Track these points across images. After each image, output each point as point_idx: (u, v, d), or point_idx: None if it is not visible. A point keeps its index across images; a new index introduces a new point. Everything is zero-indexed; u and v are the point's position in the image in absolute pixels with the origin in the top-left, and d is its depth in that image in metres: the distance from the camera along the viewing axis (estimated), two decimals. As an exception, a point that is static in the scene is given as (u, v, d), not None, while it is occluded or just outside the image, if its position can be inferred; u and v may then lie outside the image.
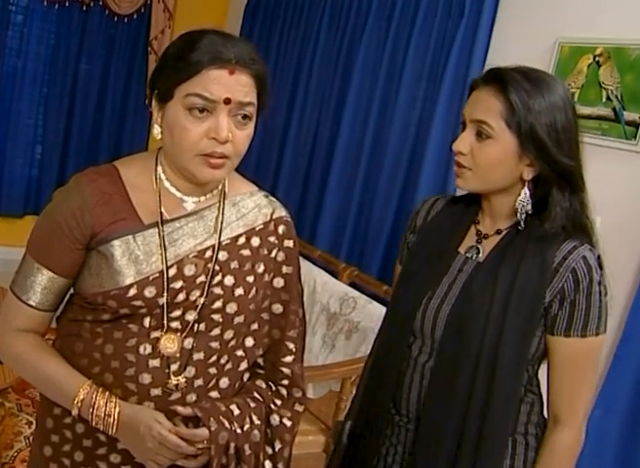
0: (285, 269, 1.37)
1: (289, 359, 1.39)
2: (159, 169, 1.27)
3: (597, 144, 2.43)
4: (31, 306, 1.26)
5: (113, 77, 4.81)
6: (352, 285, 3.15)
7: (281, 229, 1.37)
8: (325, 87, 3.79)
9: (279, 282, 1.36)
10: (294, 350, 1.39)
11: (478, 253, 1.39)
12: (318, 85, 3.85)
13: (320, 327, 3.04)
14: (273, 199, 1.41)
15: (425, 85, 3.15)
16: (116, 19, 4.76)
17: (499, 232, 1.38)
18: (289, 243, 1.38)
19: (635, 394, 2.25)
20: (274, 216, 1.37)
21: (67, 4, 4.59)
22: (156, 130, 1.22)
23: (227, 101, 1.15)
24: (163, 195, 1.26)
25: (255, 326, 1.34)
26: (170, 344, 1.24)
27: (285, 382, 1.39)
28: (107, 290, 1.20)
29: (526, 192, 1.32)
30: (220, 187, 1.31)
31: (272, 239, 1.35)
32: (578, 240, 1.32)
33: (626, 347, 2.24)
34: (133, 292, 1.19)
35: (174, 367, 1.24)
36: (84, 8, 4.65)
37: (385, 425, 1.45)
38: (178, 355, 1.24)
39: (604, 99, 2.42)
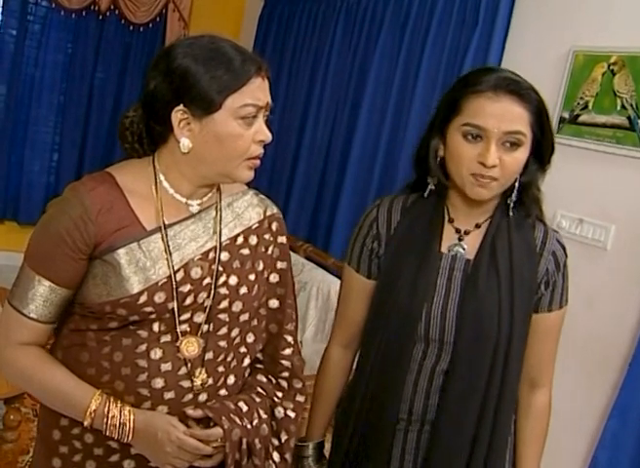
0: (279, 265, 1.42)
1: (288, 351, 1.43)
2: (160, 176, 1.27)
3: (612, 153, 2.43)
4: (33, 319, 1.23)
5: (129, 86, 4.83)
6: (366, 292, 3.15)
7: (274, 226, 1.42)
8: (339, 95, 3.81)
9: (275, 277, 1.41)
10: (292, 343, 1.44)
11: (463, 249, 1.41)
12: (332, 93, 3.87)
13: (334, 334, 3.04)
14: (263, 196, 1.44)
15: (439, 93, 3.15)
16: (132, 28, 4.80)
17: (477, 226, 1.42)
18: (282, 239, 1.44)
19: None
20: (267, 214, 1.41)
21: (84, 13, 4.63)
22: (186, 142, 1.21)
23: (267, 106, 1.24)
24: (163, 200, 1.27)
25: (254, 322, 1.38)
26: (191, 347, 1.26)
27: (285, 374, 1.43)
28: (116, 298, 1.20)
29: (517, 185, 1.38)
30: (214, 189, 1.34)
31: (267, 236, 1.39)
32: (541, 222, 1.43)
33: (642, 356, 2.23)
34: (143, 298, 1.20)
35: (185, 369, 1.26)
36: (100, 17, 4.69)
37: (392, 434, 1.44)
38: (196, 357, 1.27)
39: (618, 108, 2.41)
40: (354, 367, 1.58)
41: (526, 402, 1.47)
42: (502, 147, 1.29)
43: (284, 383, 1.43)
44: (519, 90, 1.28)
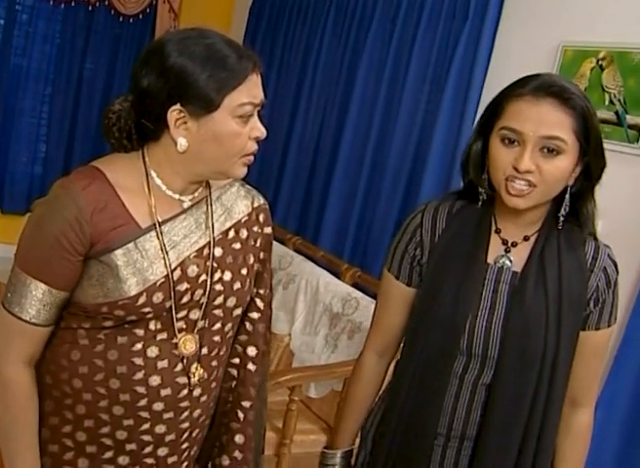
0: (262, 255, 1.42)
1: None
2: (152, 172, 1.25)
3: (600, 148, 2.44)
4: (34, 324, 1.21)
5: (118, 77, 4.81)
6: (355, 285, 3.17)
7: (261, 217, 1.41)
8: (329, 88, 3.81)
9: (258, 267, 1.41)
10: (250, 331, 1.42)
11: (510, 261, 1.36)
12: (322, 86, 3.87)
13: (322, 327, 3.06)
14: (249, 187, 1.43)
15: (429, 88, 3.17)
16: (121, 19, 4.78)
17: (526, 239, 1.36)
18: (267, 229, 1.43)
19: (636, 396, 2.26)
20: (254, 205, 1.40)
21: (73, 4, 4.61)
22: (183, 142, 1.19)
23: (262, 102, 1.24)
24: (155, 197, 1.25)
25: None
26: (189, 344, 1.27)
27: (243, 338, 1.42)
28: (114, 300, 1.18)
29: (567, 197, 1.32)
30: (204, 184, 1.32)
31: (256, 228, 1.39)
32: (592, 237, 1.38)
33: (627, 349, 2.25)
34: (142, 299, 1.19)
35: (181, 365, 1.26)
36: (89, 8, 4.67)
37: (430, 449, 1.39)
38: (194, 353, 1.27)
39: (607, 103, 2.43)
40: (389, 377, 1.52)
41: (567, 421, 1.41)
42: (541, 153, 1.23)
43: (239, 349, 1.42)
44: (562, 93, 1.23)
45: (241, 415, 1.40)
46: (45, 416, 1.27)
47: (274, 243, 3.99)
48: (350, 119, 3.55)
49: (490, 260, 1.36)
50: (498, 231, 1.38)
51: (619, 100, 2.39)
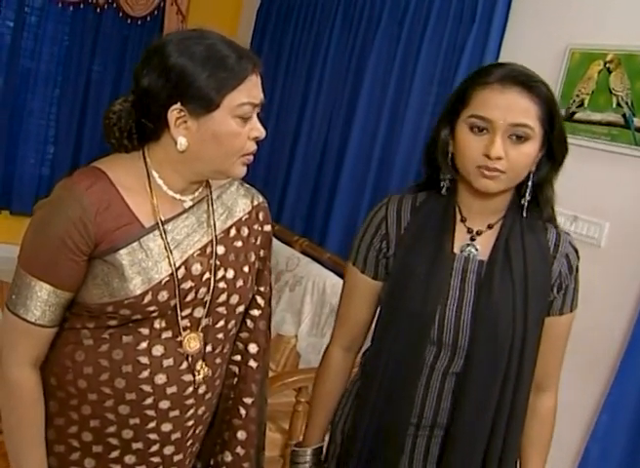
0: (262, 253, 1.43)
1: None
2: (153, 172, 1.26)
3: (606, 150, 2.44)
4: (40, 325, 1.20)
5: (126, 79, 4.82)
6: (361, 287, 3.16)
7: (261, 216, 1.42)
8: (336, 91, 3.81)
9: (259, 265, 1.42)
10: (251, 328, 1.43)
11: (476, 250, 1.38)
12: (329, 90, 3.87)
13: (329, 328, 3.05)
14: (248, 186, 1.44)
15: (436, 90, 3.17)
16: (129, 21, 4.80)
17: (490, 227, 1.38)
18: (267, 227, 1.44)
19: (642, 399, 2.26)
20: (254, 204, 1.41)
21: (81, 6, 4.63)
22: (183, 141, 1.20)
23: (261, 103, 1.25)
24: (157, 196, 1.25)
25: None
26: (193, 342, 1.27)
27: (244, 335, 1.43)
28: (120, 299, 1.19)
29: (529, 184, 1.34)
30: (204, 183, 1.33)
31: (256, 226, 1.40)
32: (553, 225, 1.41)
33: (634, 353, 2.25)
34: (148, 298, 1.20)
35: (186, 363, 1.27)
36: (98, 10, 4.69)
37: (403, 439, 1.40)
38: (198, 351, 1.28)
39: (614, 106, 2.43)
40: (358, 369, 1.54)
41: (532, 405, 1.43)
42: (509, 140, 1.26)
43: (240, 346, 1.43)
44: (527, 82, 1.26)
45: (243, 412, 1.41)
46: (50, 417, 1.27)
47: (280, 244, 4.01)
48: (357, 121, 3.55)
49: (456, 250, 1.37)
50: (463, 220, 1.39)
51: (626, 103, 2.39)
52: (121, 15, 4.76)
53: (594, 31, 2.54)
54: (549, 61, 2.66)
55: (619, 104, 2.41)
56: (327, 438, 1.58)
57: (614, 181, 2.43)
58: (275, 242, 3.72)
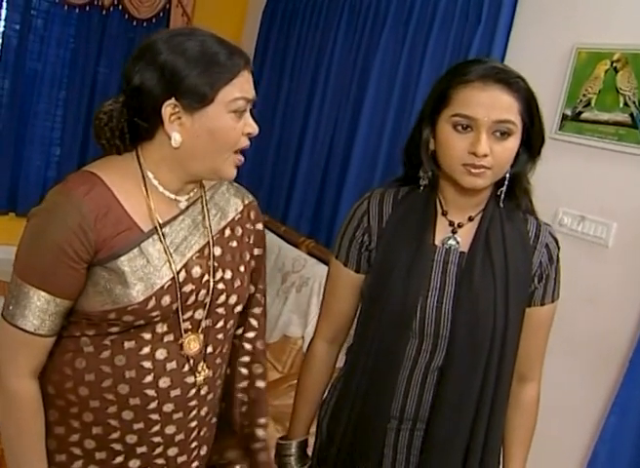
0: (256, 251, 1.43)
1: (251, 335, 1.45)
2: (148, 173, 1.25)
3: (614, 150, 2.43)
4: (39, 335, 1.19)
5: (132, 81, 4.83)
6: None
7: (252, 214, 1.43)
8: (342, 91, 3.80)
9: (251, 263, 1.42)
10: (256, 326, 1.45)
11: (457, 242, 1.39)
12: (335, 89, 3.87)
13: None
14: (237, 185, 1.45)
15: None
16: (135, 23, 4.79)
17: (470, 219, 1.40)
18: (259, 226, 1.45)
19: (651, 401, 2.25)
20: (245, 203, 1.42)
21: (87, 8, 4.63)
22: (177, 137, 1.19)
23: (253, 99, 1.25)
24: (153, 198, 1.25)
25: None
26: (193, 344, 1.27)
27: (245, 359, 1.45)
28: (123, 306, 1.18)
29: (507, 176, 1.37)
30: (198, 184, 1.33)
31: (248, 225, 1.41)
32: (533, 216, 1.43)
33: (642, 354, 2.24)
34: (152, 304, 1.19)
35: (188, 366, 1.28)
36: (103, 12, 4.68)
37: (384, 433, 1.41)
38: (199, 353, 1.29)
39: (621, 105, 2.41)
40: (343, 363, 1.54)
41: (515, 396, 1.46)
42: (493, 137, 1.28)
43: (244, 371, 1.45)
44: (507, 79, 1.28)
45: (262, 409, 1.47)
46: (50, 426, 1.26)
47: (287, 245, 4.00)
48: (363, 121, 3.55)
49: (437, 242, 1.39)
50: (444, 213, 1.42)
51: (633, 102, 2.37)
52: (127, 17, 4.76)
53: (601, 30, 2.53)
54: (556, 61, 2.65)
55: (626, 104, 2.40)
56: (313, 431, 1.60)
57: (621, 181, 2.41)
58: (281, 243, 3.72)
